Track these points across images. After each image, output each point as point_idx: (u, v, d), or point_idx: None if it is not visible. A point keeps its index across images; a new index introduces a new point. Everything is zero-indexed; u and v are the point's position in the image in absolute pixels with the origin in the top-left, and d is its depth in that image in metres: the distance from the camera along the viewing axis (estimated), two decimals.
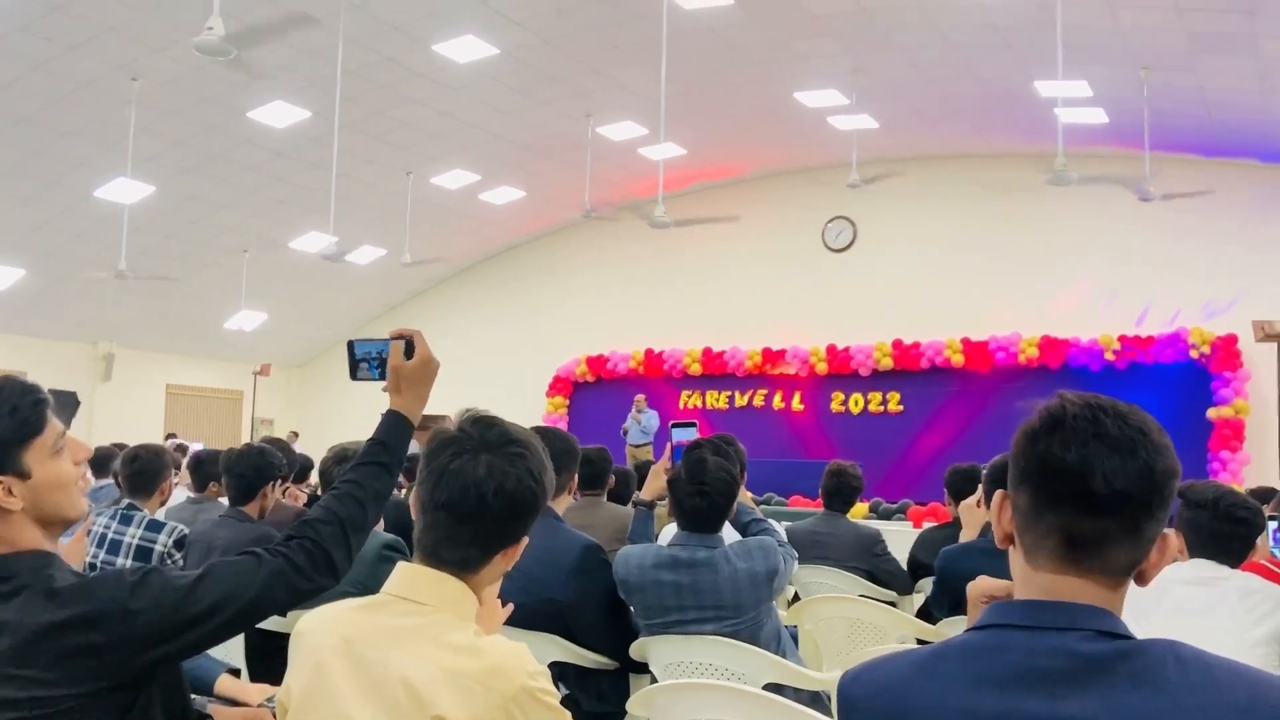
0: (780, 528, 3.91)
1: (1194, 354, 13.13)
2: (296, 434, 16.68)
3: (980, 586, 1.58)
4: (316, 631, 1.76)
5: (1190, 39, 10.20)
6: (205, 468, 4.80)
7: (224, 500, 4.35)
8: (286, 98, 12.39)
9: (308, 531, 1.95)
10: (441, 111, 13.31)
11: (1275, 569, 3.50)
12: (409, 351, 2.09)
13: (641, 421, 14.47)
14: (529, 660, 1.64)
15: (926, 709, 1.28)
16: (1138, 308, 13.70)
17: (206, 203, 15.02)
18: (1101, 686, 1.21)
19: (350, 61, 11.20)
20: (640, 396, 14.90)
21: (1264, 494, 5.52)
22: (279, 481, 4.14)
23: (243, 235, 16.24)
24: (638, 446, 14.10)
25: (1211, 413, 12.72)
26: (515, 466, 1.74)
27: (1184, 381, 13.01)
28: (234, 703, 2.68)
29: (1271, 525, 3.77)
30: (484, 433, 1.77)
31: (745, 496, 3.82)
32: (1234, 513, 2.90)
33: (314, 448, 5.18)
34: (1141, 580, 1.31)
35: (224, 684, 2.75)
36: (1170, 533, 1.33)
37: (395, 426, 2.08)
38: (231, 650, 3.48)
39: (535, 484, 1.76)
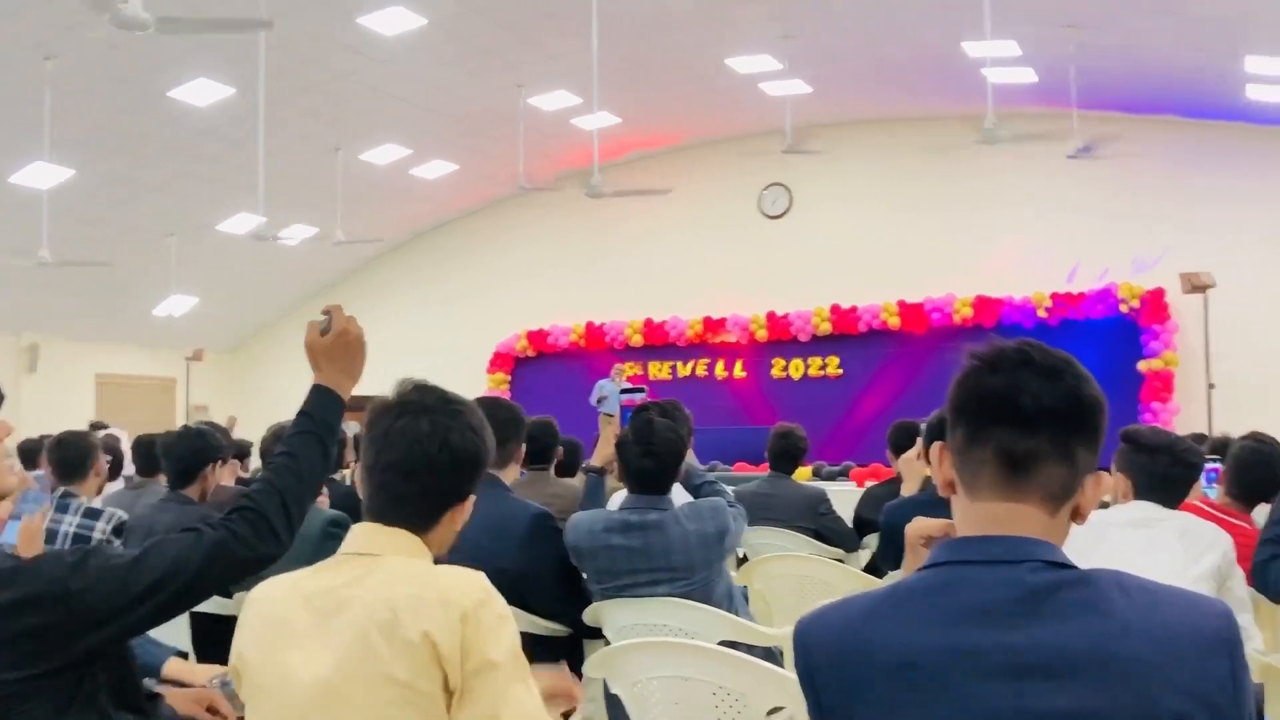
0: (729, 490, 3.93)
1: (1124, 308, 13.41)
2: (235, 419, 16.41)
3: (917, 528, 1.61)
4: (270, 596, 1.77)
5: None
6: (146, 452, 4.70)
7: (164, 484, 4.26)
8: (208, 74, 12.08)
9: (247, 503, 1.94)
10: (369, 85, 13.08)
11: (1207, 509, 3.61)
12: (326, 329, 2.09)
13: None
14: (483, 579, 1.69)
15: (882, 648, 1.30)
16: (1068, 265, 13.94)
17: (130, 185, 14.63)
18: (1050, 614, 1.24)
19: (273, 36, 10.93)
20: (620, 365, 14.71)
21: (1196, 439, 5.65)
22: (220, 463, 4.07)
23: (169, 218, 15.85)
24: (612, 416, 13.76)
25: (1142, 365, 13.02)
26: (457, 422, 1.84)
27: (1115, 336, 13.29)
28: (183, 685, 2.64)
29: (1206, 468, 3.87)
30: (423, 396, 1.87)
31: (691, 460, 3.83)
32: (1186, 457, 3.00)
33: (254, 433, 5.10)
34: (1078, 517, 1.35)
35: (172, 667, 2.71)
36: (1103, 472, 1.36)
37: (320, 397, 2.07)
38: (177, 634, 3.42)
39: (477, 438, 1.85)
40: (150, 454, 4.70)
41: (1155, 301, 13.18)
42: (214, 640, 3.57)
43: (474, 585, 1.67)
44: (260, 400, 19.49)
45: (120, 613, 1.77)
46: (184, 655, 2.86)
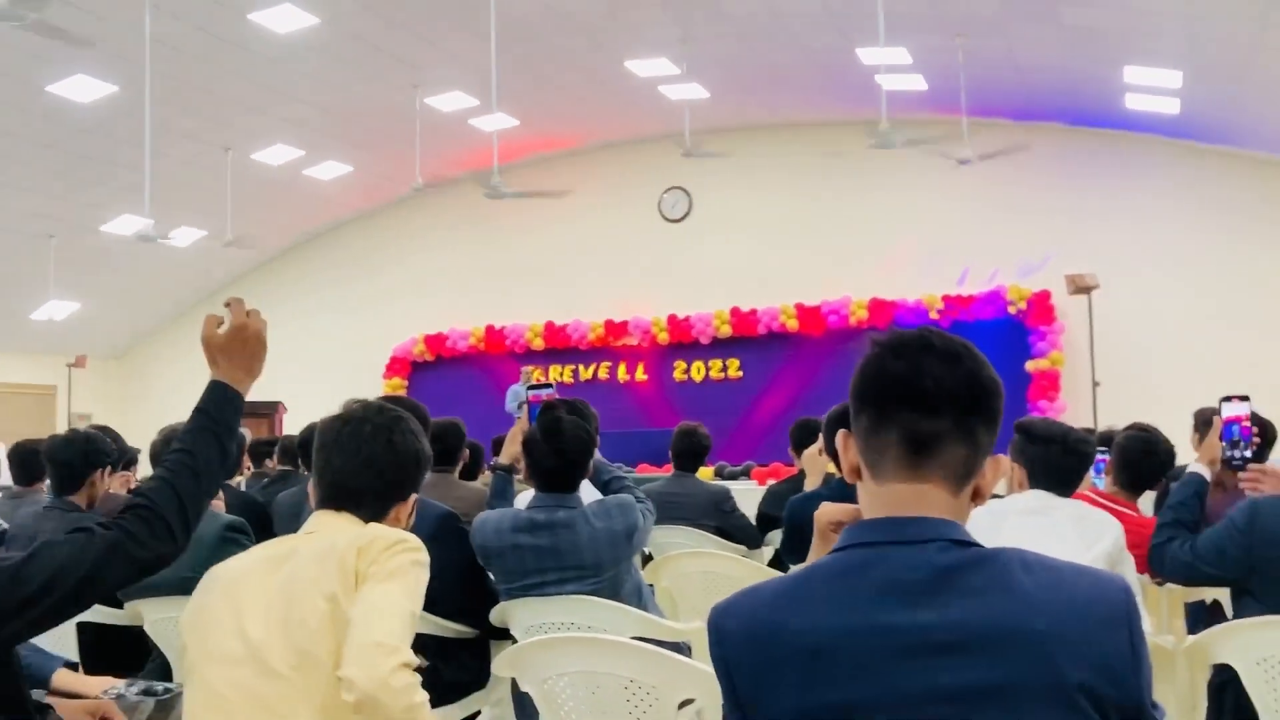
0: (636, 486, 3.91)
1: (1012, 310, 13.83)
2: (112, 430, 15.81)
3: (826, 513, 1.62)
4: (226, 571, 1.92)
5: (1000, 5, 10.66)
6: (28, 459, 4.48)
7: (46, 493, 4.09)
8: (90, 71, 11.64)
9: (141, 501, 1.88)
10: (260, 85, 12.76)
11: (1097, 498, 3.73)
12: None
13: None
14: (412, 536, 1.91)
15: (793, 631, 1.31)
16: (958, 268, 14.32)
17: (5, 185, 14.01)
18: (958, 591, 1.26)
19: (159, 32, 10.61)
20: (529, 368, 14.50)
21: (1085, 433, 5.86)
22: (108, 469, 3.90)
23: (48, 219, 15.23)
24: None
25: (1029, 365, 13.44)
26: (398, 426, 2.06)
27: (1003, 337, 13.68)
28: (74, 697, 2.52)
29: (1096, 458, 4.00)
30: (366, 407, 2.10)
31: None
32: (1079, 447, 3.09)
33: (141, 442, 4.88)
34: (979, 498, 1.38)
35: (61, 678, 2.59)
36: (1002, 455, 1.42)
37: (216, 392, 2.04)
38: (64, 645, 3.29)
39: (418, 441, 2.07)
40: (30, 461, 4.48)
41: (1041, 303, 13.62)
42: (103, 651, 3.44)
43: (400, 531, 1.91)
44: (147, 408, 18.85)
45: (8, 617, 1.68)
46: (74, 666, 2.74)
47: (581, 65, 13.15)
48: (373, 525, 1.91)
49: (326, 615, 1.75)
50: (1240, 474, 3.23)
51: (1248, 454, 3.28)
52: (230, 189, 15.00)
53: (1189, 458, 5.25)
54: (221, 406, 2.01)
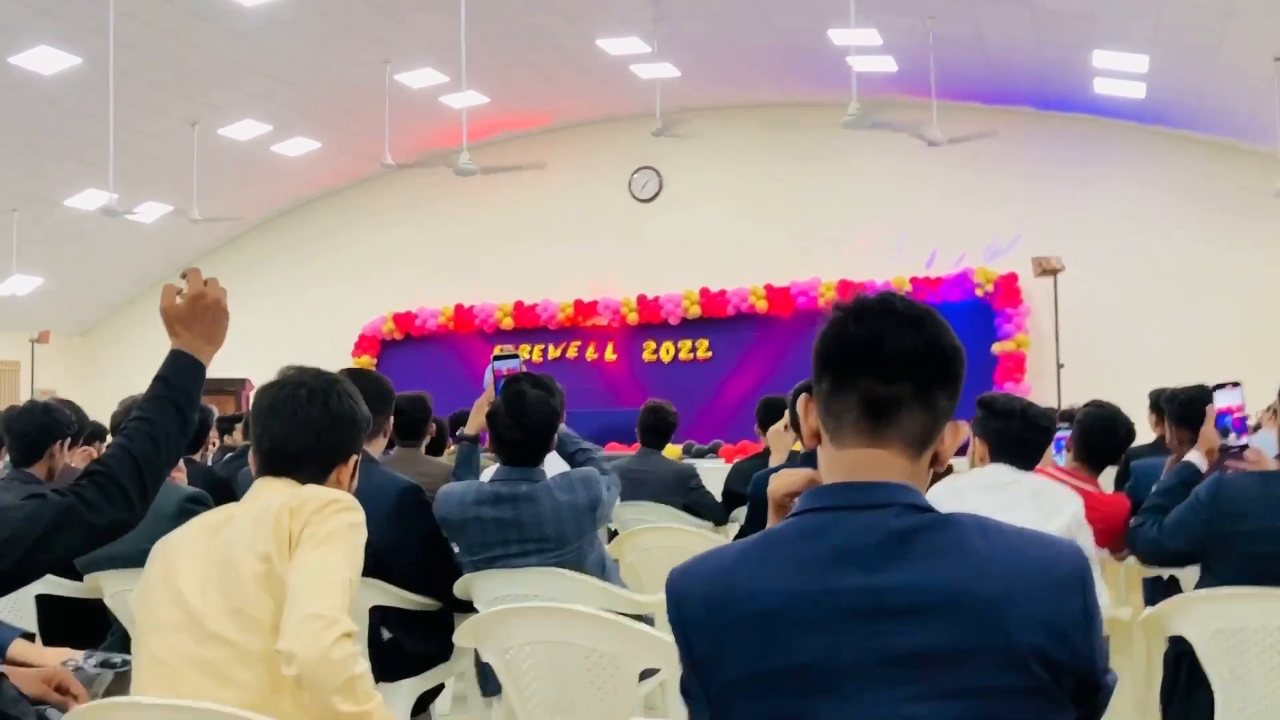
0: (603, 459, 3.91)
1: (979, 292, 13.90)
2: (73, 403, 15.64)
3: (779, 484, 1.62)
4: (167, 542, 1.90)
5: None
6: None
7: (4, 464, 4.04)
8: (52, 42, 11.44)
9: (97, 468, 1.87)
10: (227, 59, 12.60)
11: (1063, 477, 3.78)
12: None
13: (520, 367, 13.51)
14: (349, 496, 1.93)
15: (749, 595, 1.32)
16: (927, 250, 14.38)
17: None
18: (914, 555, 1.27)
19: (124, 3, 10.45)
20: (504, 348, 14.32)
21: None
22: (68, 441, 3.86)
23: (10, 193, 14.98)
24: None
25: (996, 347, 13.53)
26: (334, 389, 2.05)
27: (970, 319, 13.74)
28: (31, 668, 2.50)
29: (1056, 435, 4.05)
30: (301, 371, 2.09)
31: None
32: (1039, 421, 3.13)
33: (107, 418, 4.82)
34: (937, 463, 1.40)
35: (18, 648, 2.57)
36: (962, 421, 1.42)
37: (176, 362, 2.03)
38: (22, 617, 3.26)
39: (353, 402, 2.06)
40: None
41: (1008, 285, 13.71)
42: (63, 623, 3.41)
43: (343, 493, 1.90)
44: (112, 384, 18.60)
45: None
46: (30, 638, 2.71)
47: (553, 43, 13.08)
48: (308, 486, 1.90)
49: (262, 576, 1.74)
50: (1238, 461, 3.23)
51: (1244, 441, 3.28)
52: (197, 164, 14.82)
53: (1146, 437, 5.36)
54: (181, 375, 1.99)
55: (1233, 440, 3.28)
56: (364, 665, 1.68)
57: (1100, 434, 3.89)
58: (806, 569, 1.29)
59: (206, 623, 1.73)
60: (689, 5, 11.88)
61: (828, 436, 1.39)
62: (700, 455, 11.59)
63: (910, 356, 1.33)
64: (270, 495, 1.90)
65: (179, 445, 1.99)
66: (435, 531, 3.35)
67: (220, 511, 1.93)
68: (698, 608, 1.36)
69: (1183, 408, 3.90)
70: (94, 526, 1.80)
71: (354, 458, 2.06)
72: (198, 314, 2.02)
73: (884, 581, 1.26)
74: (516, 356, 3.69)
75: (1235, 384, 3.37)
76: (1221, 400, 3.35)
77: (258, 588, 1.74)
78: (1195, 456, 3.33)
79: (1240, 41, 10.29)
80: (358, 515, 1.86)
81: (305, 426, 1.97)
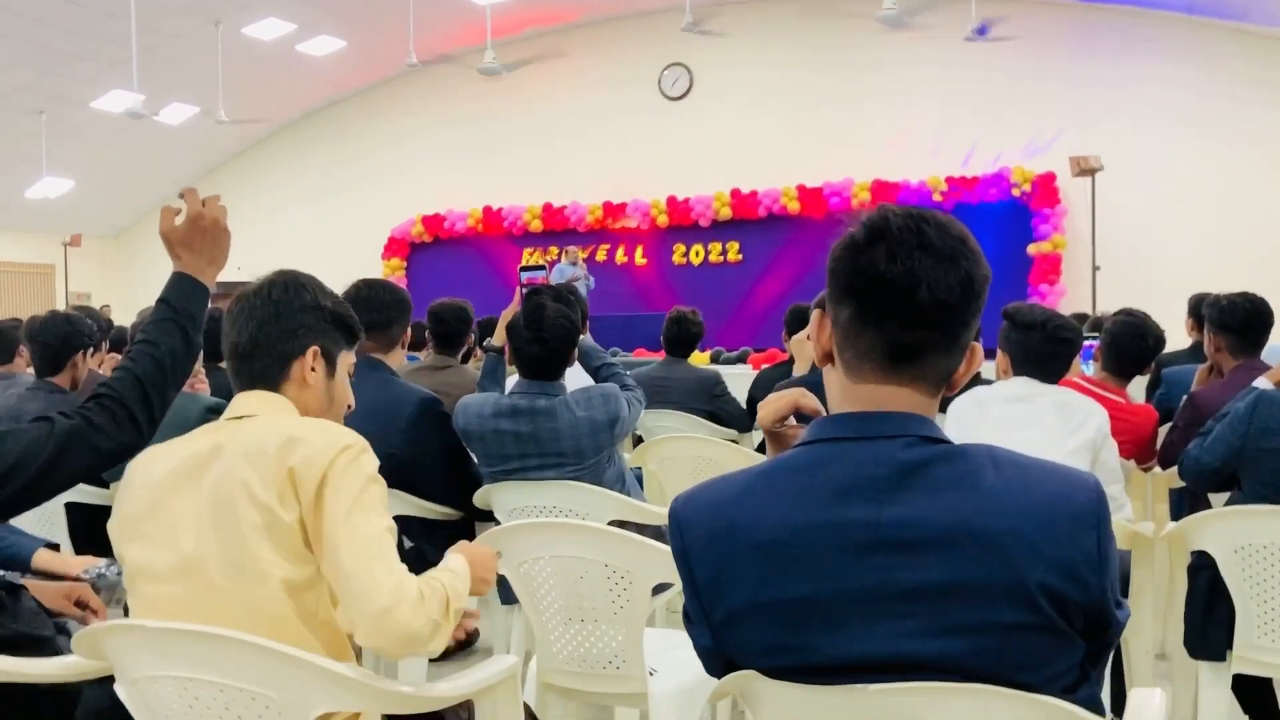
0: (627, 374, 3.89)
1: (1015, 192, 13.63)
2: (109, 307, 15.84)
3: (766, 412, 1.58)
4: (152, 459, 1.76)
5: None
6: (7, 338, 4.46)
7: (30, 372, 4.07)
8: None
9: (104, 390, 1.87)
10: None
11: (1085, 385, 3.72)
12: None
13: (589, 279, 13.11)
14: (349, 431, 1.74)
15: (752, 525, 1.30)
16: (964, 149, 14.07)
17: None
18: (923, 488, 1.24)
19: None
20: (574, 248, 14.21)
21: (1078, 319, 5.82)
22: (91, 350, 3.89)
23: (37, 95, 14.95)
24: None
25: (1032, 249, 13.31)
26: (282, 279, 1.91)
27: (1007, 219, 13.53)
28: (54, 576, 2.55)
29: (1085, 344, 3.97)
30: (261, 279, 1.92)
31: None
32: (1059, 333, 3.05)
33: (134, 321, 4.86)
34: (951, 387, 1.35)
35: (41, 558, 2.62)
36: (976, 344, 1.35)
37: (178, 284, 2.01)
38: (53, 527, 3.31)
39: (305, 291, 1.89)
40: (6, 338, 4.46)
41: (1046, 185, 13.42)
42: (91, 532, 3.46)
43: (347, 434, 1.72)
44: (145, 288, 18.82)
45: None
46: (55, 547, 2.76)
47: None
48: (299, 425, 1.73)
49: (261, 527, 1.63)
50: None
51: None
52: (221, 65, 14.69)
53: (1180, 343, 5.26)
54: (184, 297, 1.99)
55: None
56: (434, 603, 1.64)
57: (1129, 343, 3.81)
58: (811, 500, 1.27)
59: (204, 571, 1.65)
60: None
61: (843, 365, 1.34)
62: (729, 362, 11.57)
63: (943, 302, 1.26)
64: (256, 424, 1.75)
65: (185, 367, 1.99)
66: (455, 443, 3.35)
67: (205, 437, 1.74)
68: (700, 537, 1.35)
69: (1224, 314, 3.78)
70: (100, 450, 1.81)
71: (312, 349, 1.85)
72: (197, 235, 2.00)
73: (890, 515, 1.23)
74: (543, 268, 3.64)
75: None
76: None
77: (259, 539, 1.63)
78: (1264, 382, 3.10)
79: None
80: (369, 459, 1.71)
81: (249, 317, 1.83)
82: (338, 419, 1.91)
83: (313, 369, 1.85)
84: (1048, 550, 1.20)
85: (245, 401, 1.81)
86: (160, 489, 1.70)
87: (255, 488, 1.64)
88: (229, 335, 1.84)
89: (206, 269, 2.02)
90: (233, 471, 1.66)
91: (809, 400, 1.55)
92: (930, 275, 1.25)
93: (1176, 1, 12.59)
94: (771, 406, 1.55)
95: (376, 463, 1.72)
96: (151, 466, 1.74)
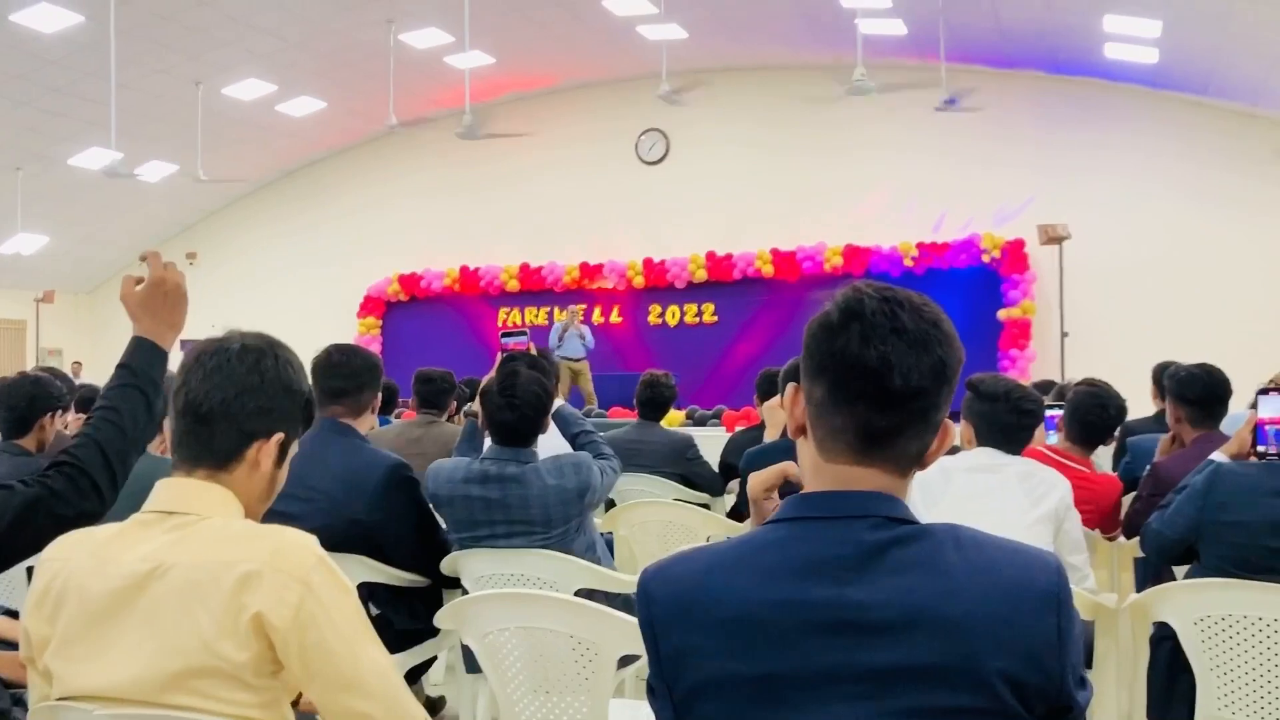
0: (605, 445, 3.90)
1: (985, 258, 13.83)
2: (79, 364, 15.74)
3: (755, 483, 1.59)
4: (69, 560, 1.61)
5: None
6: None
7: None
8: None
9: (65, 458, 1.85)
10: (231, 17, 12.51)
11: (1049, 454, 3.75)
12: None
13: (586, 335, 13.20)
14: (311, 541, 1.59)
15: (719, 602, 1.30)
16: (934, 215, 14.28)
17: None
18: (885, 569, 1.25)
19: None
20: (577, 307, 14.27)
21: (1044, 386, 5.88)
22: (59, 412, 3.87)
23: (14, 151, 14.98)
24: (576, 361, 12.98)
25: (1001, 314, 13.47)
26: (271, 350, 1.74)
27: (977, 285, 13.71)
28: (12, 645, 2.51)
29: (1048, 414, 4.00)
30: (241, 333, 1.75)
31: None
32: (1022, 405, 3.09)
33: (107, 378, 4.80)
34: (922, 465, 1.34)
35: (2, 625, 2.58)
36: (949, 421, 1.35)
37: (138, 348, 2.00)
38: (13, 592, 3.27)
39: (291, 371, 1.74)
40: None
41: (1015, 252, 13.63)
42: None
43: (305, 550, 1.57)
44: (117, 344, 18.65)
45: None
46: (14, 614, 2.73)
47: (559, 2, 12.94)
48: (249, 549, 1.56)
49: (209, 671, 1.51)
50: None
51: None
52: (201, 124, 14.78)
53: (1144, 410, 5.33)
54: (145, 362, 1.99)
55: (1271, 449, 2.98)
56: None
57: (1092, 413, 3.85)
58: (777, 578, 1.28)
59: (139, 694, 1.52)
60: None
61: (815, 442, 1.34)
62: (702, 422, 11.60)
63: (917, 390, 1.26)
64: (201, 538, 1.57)
65: (146, 433, 1.98)
66: (424, 508, 3.35)
67: (140, 545, 1.57)
68: (666, 611, 1.35)
69: (1182, 385, 3.83)
70: (62, 518, 1.79)
71: (278, 436, 1.70)
72: (159, 300, 2.01)
73: (853, 595, 1.24)
74: (525, 333, 3.67)
75: None
76: (1267, 409, 3.02)
77: (210, 683, 1.51)
78: (1220, 456, 3.08)
79: (1253, 6, 10.13)
80: (329, 570, 1.57)
81: (227, 381, 1.65)
82: (266, 505, 1.77)
83: (270, 458, 1.71)
84: (1007, 636, 1.21)
85: (182, 494, 1.63)
86: (95, 613, 1.55)
87: (206, 632, 1.50)
88: (188, 390, 1.67)
89: (166, 333, 2.02)
90: (178, 603, 1.52)
91: (795, 472, 1.57)
92: (904, 361, 1.26)
93: (1140, 74, 12.91)
94: (760, 478, 1.57)
95: (335, 566, 1.59)
96: (86, 580, 1.57)
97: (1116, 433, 5.30)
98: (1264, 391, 3.08)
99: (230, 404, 1.65)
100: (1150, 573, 3.71)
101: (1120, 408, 3.95)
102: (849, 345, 1.28)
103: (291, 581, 1.52)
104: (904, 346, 1.26)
